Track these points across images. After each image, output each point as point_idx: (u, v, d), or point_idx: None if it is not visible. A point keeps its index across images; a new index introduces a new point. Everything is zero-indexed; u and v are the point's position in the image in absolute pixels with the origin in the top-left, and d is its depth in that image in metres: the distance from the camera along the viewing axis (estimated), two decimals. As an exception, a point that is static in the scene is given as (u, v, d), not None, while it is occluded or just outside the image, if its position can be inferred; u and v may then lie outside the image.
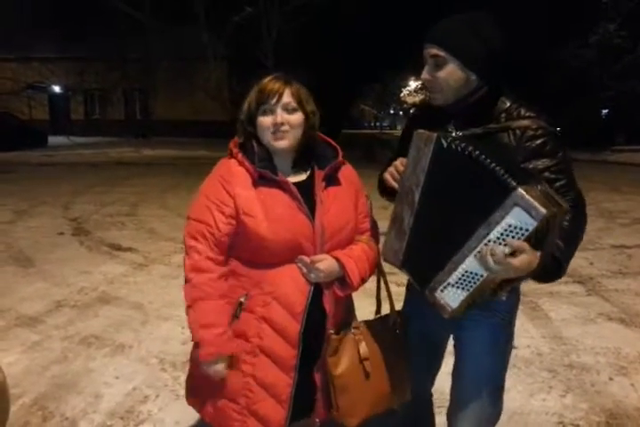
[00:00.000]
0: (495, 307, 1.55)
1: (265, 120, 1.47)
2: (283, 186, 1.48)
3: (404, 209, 1.47)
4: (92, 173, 12.58)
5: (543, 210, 1.13)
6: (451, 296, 1.37)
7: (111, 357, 3.08)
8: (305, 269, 1.48)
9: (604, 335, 3.39)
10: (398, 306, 1.84)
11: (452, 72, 1.43)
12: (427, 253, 1.43)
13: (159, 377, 2.82)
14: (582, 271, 4.81)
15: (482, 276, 1.29)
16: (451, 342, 1.75)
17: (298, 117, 1.48)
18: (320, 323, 1.53)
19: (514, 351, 3.13)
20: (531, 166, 1.37)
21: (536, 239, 1.20)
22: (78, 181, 10.87)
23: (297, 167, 1.56)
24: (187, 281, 1.51)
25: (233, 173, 1.50)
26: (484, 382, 1.58)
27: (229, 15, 21.07)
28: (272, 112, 1.46)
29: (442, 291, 1.38)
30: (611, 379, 2.83)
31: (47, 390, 2.69)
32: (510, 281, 1.31)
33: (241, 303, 1.51)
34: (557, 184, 1.36)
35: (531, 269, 1.22)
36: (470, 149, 1.28)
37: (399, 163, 1.51)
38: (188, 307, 1.50)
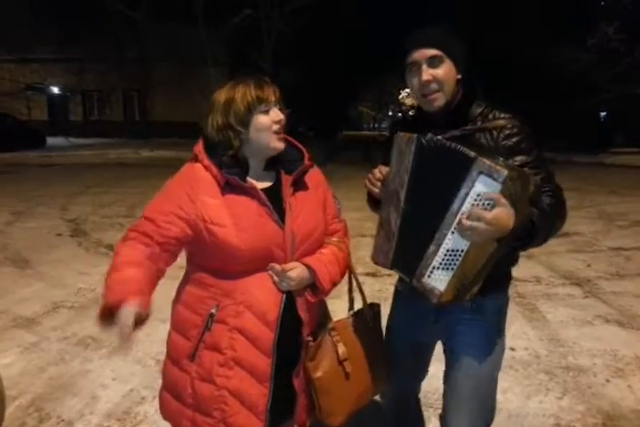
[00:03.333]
0: (485, 309, 1.57)
1: (265, 119, 1.44)
2: (251, 193, 1.44)
3: (391, 211, 1.51)
4: (90, 174, 12.56)
5: (505, 170, 1.20)
6: (437, 279, 1.38)
7: (108, 358, 3.08)
8: (276, 278, 1.46)
9: (601, 337, 3.39)
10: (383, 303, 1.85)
11: (449, 70, 1.49)
12: (413, 248, 1.44)
13: (156, 378, 2.80)
14: (580, 274, 4.82)
15: (462, 251, 1.31)
16: (439, 347, 1.75)
17: (284, 116, 1.49)
18: (295, 330, 1.51)
19: (512, 353, 3.14)
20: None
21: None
22: (76, 182, 10.86)
23: (267, 170, 1.53)
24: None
25: (198, 179, 1.44)
26: (477, 385, 1.59)
27: (229, 17, 21.08)
28: (270, 110, 1.45)
29: (428, 276, 1.40)
30: (607, 381, 2.83)
31: (44, 392, 2.69)
32: (493, 256, 1.32)
33: (212, 315, 1.46)
34: (537, 177, 1.40)
35: (508, 227, 1.24)
36: (448, 143, 1.34)
37: (377, 170, 1.56)
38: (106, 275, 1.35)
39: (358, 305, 1.71)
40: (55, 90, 26.12)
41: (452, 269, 1.35)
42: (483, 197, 1.25)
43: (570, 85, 19.54)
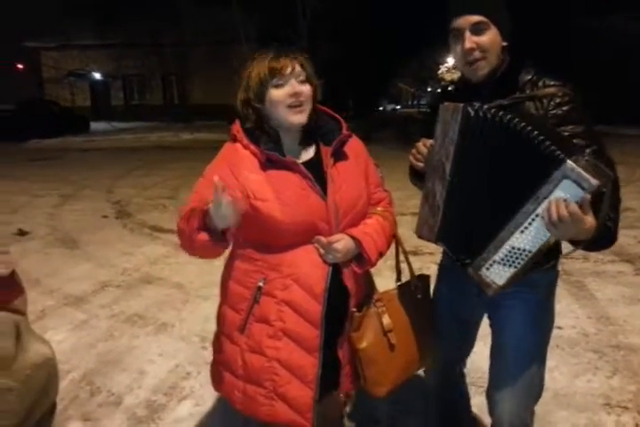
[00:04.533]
0: (533, 283, 1.51)
1: (279, 93, 1.41)
2: (292, 167, 1.44)
3: (436, 183, 1.46)
4: (133, 157, 12.84)
5: (595, 181, 1.12)
6: (497, 274, 1.34)
7: (154, 335, 3.17)
8: (322, 251, 1.46)
9: (653, 316, 3.26)
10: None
11: (494, 36, 1.43)
12: (465, 228, 1.41)
13: (200, 355, 2.87)
14: (630, 250, 4.63)
15: (530, 252, 1.27)
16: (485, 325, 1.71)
17: (309, 89, 1.44)
18: (342, 302, 1.52)
19: (558, 332, 3.05)
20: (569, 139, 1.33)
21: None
22: (120, 165, 11.12)
23: (303, 145, 1.52)
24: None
25: (240, 157, 1.45)
26: (525, 360, 1.55)
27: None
28: (286, 84, 1.41)
29: (487, 269, 1.36)
30: (661, 361, 2.72)
31: (94, 367, 2.79)
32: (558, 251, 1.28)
33: (259, 288, 1.48)
34: (588, 150, 1.32)
35: (590, 234, 1.19)
36: (501, 115, 1.27)
37: (421, 144, 1.50)
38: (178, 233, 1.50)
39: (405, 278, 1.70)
40: (97, 76, 26.70)
41: (515, 267, 1.31)
42: (572, 204, 1.15)
43: (619, 57, 18.57)
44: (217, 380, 1.66)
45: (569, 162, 1.15)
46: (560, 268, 1.62)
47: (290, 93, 1.41)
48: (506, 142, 1.27)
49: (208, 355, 2.86)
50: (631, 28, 18.26)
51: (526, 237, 1.27)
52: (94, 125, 21.62)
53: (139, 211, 6.65)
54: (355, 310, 1.53)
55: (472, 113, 1.33)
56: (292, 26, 21.36)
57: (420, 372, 1.86)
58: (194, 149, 14.70)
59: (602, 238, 1.27)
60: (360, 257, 1.50)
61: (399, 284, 1.68)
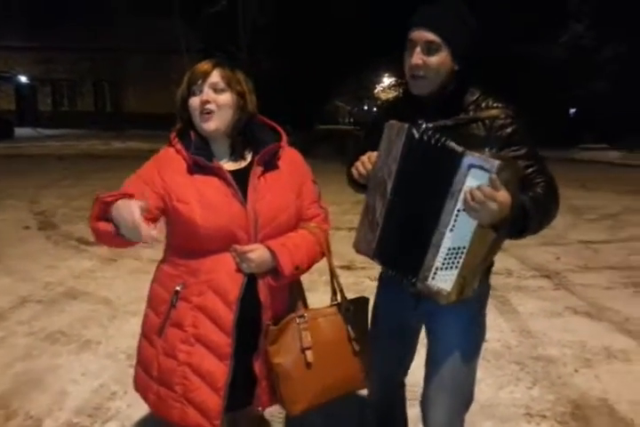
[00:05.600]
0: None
1: (194, 101, 1.46)
2: (217, 172, 1.46)
3: (377, 200, 1.47)
4: (60, 165, 12.28)
5: (495, 161, 1.21)
6: (442, 279, 1.36)
7: (78, 353, 3.02)
8: (238, 259, 1.47)
9: (570, 329, 3.46)
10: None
11: (444, 59, 1.43)
12: (402, 243, 1.43)
13: (127, 373, 2.75)
14: (549, 266, 4.92)
15: (464, 247, 1.31)
16: (423, 334, 1.76)
17: (225, 97, 1.45)
18: (256, 313, 1.52)
19: (484, 345, 3.18)
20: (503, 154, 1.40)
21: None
22: (46, 174, 10.60)
23: (235, 154, 1.53)
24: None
25: (171, 160, 1.49)
26: (457, 370, 1.59)
27: (204, 6, 20.77)
28: (201, 92, 1.45)
29: (433, 278, 1.37)
30: (576, 371, 2.89)
31: (10, 388, 2.62)
32: (493, 247, 1.34)
33: (177, 292, 1.50)
34: (530, 170, 1.41)
35: (507, 211, 1.25)
36: (443, 140, 1.32)
37: (366, 157, 1.50)
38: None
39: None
40: (23, 79, 25.38)
41: (457, 266, 1.33)
42: (483, 187, 1.24)
43: (540, 82, 19.86)
44: (136, 380, 1.67)
45: (468, 152, 1.25)
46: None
47: (202, 100, 1.44)
48: (434, 159, 1.33)
49: (136, 373, 2.76)
50: (556, 55, 19.59)
51: (456, 234, 1.31)
52: (19, 131, 20.49)
53: (64, 222, 6.35)
54: (269, 323, 1.52)
55: (416, 135, 1.35)
56: (234, 38, 21.36)
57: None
58: (125, 158, 14.24)
59: (519, 219, 1.33)
60: (276, 270, 1.49)
61: (332, 304, 1.64)
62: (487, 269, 1.63)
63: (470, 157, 1.25)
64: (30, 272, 4.44)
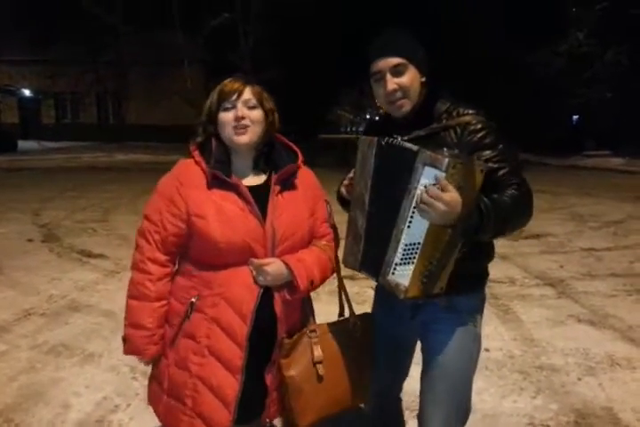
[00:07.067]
0: (460, 308, 1.58)
1: (226, 115, 1.50)
2: (235, 188, 1.50)
3: (357, 213, 1.53)
4: (63, 178, 12.35)
5: (446, 159, 1.24)
6: (400, 275, 1.39)
7: (81, 366, 3.02)
8: (254, 272, 1.50)
9: (573, 337, 3.45)
10: (369, 310, 1.85)
11: (413, 75, 1.52)
12: (379, 249, 1.45)
13: (130, 386, 2.76)
14: (552, 274, 4.90)
15: (419, 243, 1.34)
16: (419, 345, 1.76)
17: (258, 114, 1.52)
18: (271, 326, 1.54)
19: (486, 354, 3.18)
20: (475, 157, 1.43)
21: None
22: (49, 186, 10.67)
23: (257, 169, 1.59)
24: (131, 275, 1.57)
25: (189, 173, 1.53)
26: (453, 384, 1.60)
27: (206, 19, 20.99)
28: (233, 108, 1.50)
29: (392, 273, 1.40)
30: (579, 379, 2.88)
31: (13, 402, 2.62)
32: (450, 245, 1.34)
33: (192, 304, 1.52)
34: (501, 172, 1.44)
35: (457, 211, 1.27)
36: (398, 141, 1.38)
37: (351, 174, 1.58)
38: (127, 300, 1.56)
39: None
40: (26, 92, 25.61)
41: (412, 262, 1.36)
42: (431, 187, 1.28)
43: (542, 89, 19.93)
44: (149, 392, 1.68)
45: (422, 150, 1.29)
46: (487, 291, 1.71)
47: (235, 116, 1.49)
48: (397, 163, 1.37)
49: (138, 386, 2.77)
50: (556, 63, 19.68)
51: (412, 231, 1.34)
52: (22, 144, 20.63)
53: (67, 234, 6.37)
54: (284, 336, 1.54)
55: (383, 145, 1.42)
56: (236, 50, 21.56)
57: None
58: (129, 170, 14.34)
59: (474, 221, 1.33)
60: (292, 284, 1.52)
61: (339, 319, 1.69)
62: (479, 280, 1.64)
63: (424, 155, 1.28)
64: (34, 285, 4.45)
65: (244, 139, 1.50)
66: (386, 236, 1.40)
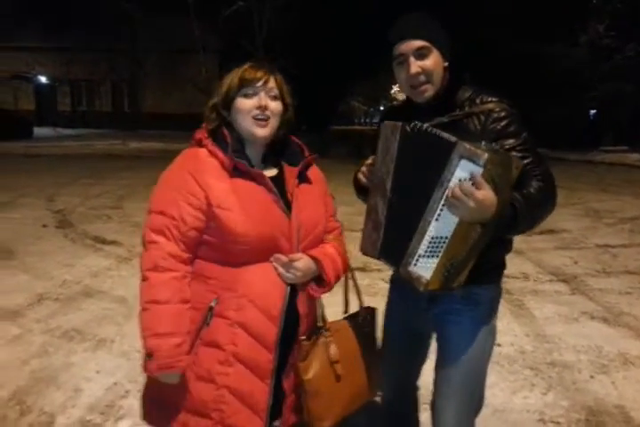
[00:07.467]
0: (476, 299, 1.56)
1: (247, 102, 1.40)
2: (258, 179, 1.40)
3: (378, 200, 1.49)
4: (77, 165, 12.43)
5: (485, 153, 1.20)
6: (423, 267, 1.37)
7: (93, 351, 3.05)
8: (281, 269, 1.41)
9: (586, 334, 3.41)
10: (381, 302, 1.84)
11: (437, 59, 1.49)
12: (400, 237, 1.43)
13: (141, 372, 2.78)
14: (567, 270, 4.85)
15: (446, 237, 1.31)
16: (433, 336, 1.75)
17: (279, 106, 1.44)
18: (293, 326, 1.45)
19: (498, 349, 3.15)
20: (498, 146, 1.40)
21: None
22: (64, 173, 10.74)
23: (267, 162, 1.50)
24: (143, 279, 1.38)
25: (202, 163, 1.39)
26: (467, 375, 1.59)
27: (221, 8, 20.90)
28: (255, 95, 1.40)
29: (415, 265, 1.38)
30: (592, 377, 2.85)
31: (26, 385, 2.65)
32: (478, 242, 1.32)
33: (211, 308, 1.39)
34: (525, 161, 1.39)
35: (491, 210, 1.24)
36: (430, 129, 1.33)
37: (370, 160, 1.54)
38: (143, 310, 1.36)
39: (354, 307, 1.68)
40: (43, 79, 25.77)
41: (437, 256, 1.34)
42: (465, 182, 1.24)
43: (561, 82, 19.63)
44: (149, 409, 1.54)
45: (460, 142, 1.23)
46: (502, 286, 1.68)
47: (257, 105, 1.39)
48: (427, 151, 1.33)
49: (149, 372, 2.78)
50: (575, 55, 19.36)
51: (440, 224, 1.31)
52: (38, 131, 20.79)
53: (81, 221, 6.42)
54: (304, 337, 1.47)
55: (409, 131, 1.38)
56: (250, 39, 21.45)
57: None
58: (142, 158, 14.41)
59: (507, 218, 1.31)
60: (318, 280, 1.47)
61: (348, 314, 1.66)
62: (497, 271, 1.62)
63: (462, 148, 1.23)
64: (47, 270, 4.50)
65: (264, 131, 1.41)
66: (410, 225, 1.37)
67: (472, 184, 1.23)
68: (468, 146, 1.22)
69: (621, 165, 15.88)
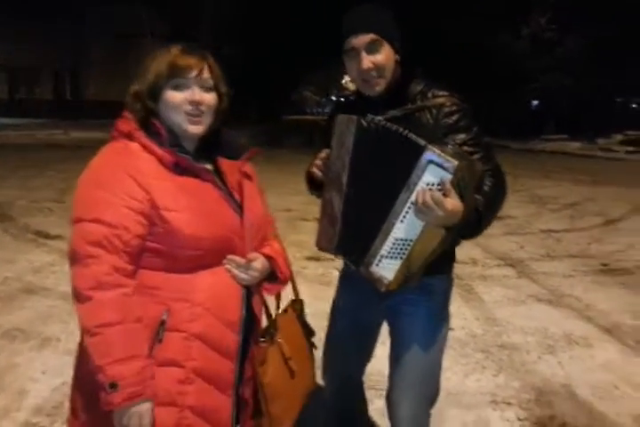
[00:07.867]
0: (431, 289, 1.57)
1: (177, 96, 1.24)
2: (202, 175, 1.27)
3: (333, 195, 1.48)
4: (17, 155, 11.86)
5: (455, 161, 1.20)
6: (385, 268, 1.36)
7: (38, 350, 2.92)
8: (236, 271, 1.29)
9: (533, 316, 3.54)
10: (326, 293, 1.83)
11: (388, 53, 1.48)
12: (359, 233, 1.42)
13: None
14: (513, 255, 5.02)
15: (411, 240, 1.31)
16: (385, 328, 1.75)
17: (213, 98, 1.28)
18: (248, 329, 1.34)
19: (450, 333, 3.20)
20: (449, 141, 1.40)
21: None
22: (1, 164, 10.21)
23: (200, 156, 1.33)
24: (83, 301, 1.17)
25: (136, 159, 1.22)
26: (422, 365, 1.60)
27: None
28: (188, 88, 1.25)
29: (377, 265, 1.38)
30: (539, 358, 2.96)
31: (-35, 389, 2.51)
32: (441, 244, 1.32)
33: (163, 322, 1.22)
34: (476, 156, 1.41)
35: (457, 217, 1.26)
36: (388, 125, 1.32)
37: (323, 154, 1.52)
38: (92, 336, 1.15)
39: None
40: (-24, 65, 24.33)
41: (401, 258, 1.34)
42: (432, 187, 1.23)
43: (503, 73, 20.20)
44: None
45: (429, 147, 1.23)
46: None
47: (190, 100, 1.24)
48: (390, 148, 1.33)
49: (99, 370, 2.68)
50: (515, 47, 19.93)
51: (405, 226, 1.31)
52: (-28, 120, 19.69)
53: (22, 214, 6.12)
54: (263, 339, 1.38)
55: (365, 124, 1.37)
56: (197, 24, 20.95)
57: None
58: (85, 147, 13.83)
59: (471, 222, 1.33)
60: (271, 278, 1.40)
61: (285, 307, 1.56)
62: (450, 262, 1.65)
63: (431, 153, 1.22)
64: (-14, 267, 4.27)
65: (197, 129, 1.26)
66: (371, 224, 1.36)
67: (440, 190, 1.22)
68: (437, 151, 1.21)
69: (562, 153, 16.58)
